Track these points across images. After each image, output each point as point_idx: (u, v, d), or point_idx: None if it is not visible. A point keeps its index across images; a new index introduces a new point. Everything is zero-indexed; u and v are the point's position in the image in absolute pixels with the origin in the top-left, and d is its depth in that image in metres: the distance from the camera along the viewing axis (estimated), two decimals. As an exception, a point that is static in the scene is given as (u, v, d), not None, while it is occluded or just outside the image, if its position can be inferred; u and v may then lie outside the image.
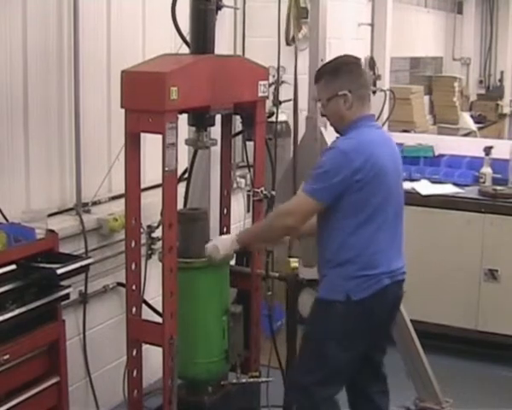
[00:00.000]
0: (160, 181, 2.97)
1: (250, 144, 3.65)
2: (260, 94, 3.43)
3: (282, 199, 3.35)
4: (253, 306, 3.56)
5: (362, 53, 5.41)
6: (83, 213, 3.71)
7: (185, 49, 3.44)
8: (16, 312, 2.80)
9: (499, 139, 8.15)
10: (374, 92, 5.51)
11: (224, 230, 3.65)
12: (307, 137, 3.87)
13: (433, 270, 4.85)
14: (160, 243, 3.14)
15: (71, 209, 3.72)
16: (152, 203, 3.43)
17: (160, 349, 3.06)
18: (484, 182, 5.10)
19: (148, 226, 3.38)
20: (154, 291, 3.48)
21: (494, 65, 12.24)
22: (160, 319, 3.11)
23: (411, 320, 3.88)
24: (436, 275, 4.85)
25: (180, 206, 3.30)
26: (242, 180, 4.96)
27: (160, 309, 3.13)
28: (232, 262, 3.53)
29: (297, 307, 3.51)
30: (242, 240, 3.23)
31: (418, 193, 4.96)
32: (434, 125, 9.15)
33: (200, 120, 3.27)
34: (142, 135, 3.10)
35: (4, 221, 3.19)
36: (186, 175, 3.68)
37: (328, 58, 3.49)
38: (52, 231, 3.13)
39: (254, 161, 3.53)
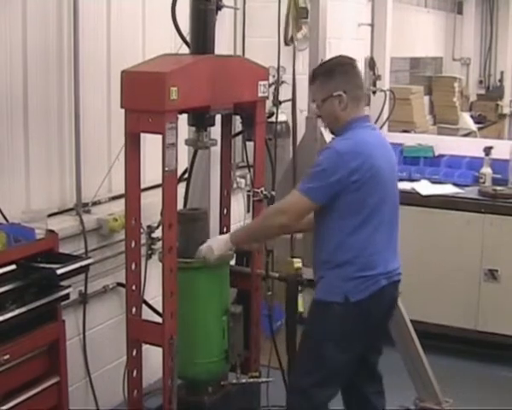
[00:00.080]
0: (159, 181, 2.97)
1: (250, 144, 3.64)
2: (260, 94, 3.43)
3: (282, 199, 3.34)
4: (253, 306, 3.56)
5: (362, 53, 5.41)
6: (83, 214, 3.71)
7: (185, 49, 3.44)
8: (16, 312, 2.79)
9: (499, 139, 8.13)
10: (374, 92, 5.53)
11: (224, 230, 3.65)
12: (307, 138, 3.87)
13: (432, 270, 4.85)
14: (159, 244, 3.14)
15: (71, 209, 3.72)
16: (152, 203, 3.42)
17: (159, 349, 3.06)
18: (484, 182, 5.10)
19: (148, 226, 3.38)
20: (154, 291, 3.48)
21: (494, 65, 12.21)
22: (160, 319, 3.10)
23: (411, 320, 3.88)
24: (436, 275, 4.85)
25: (180, 206, 3.30)
26: (242, 180, 4.95)
27: (160, 309, 3.13)
28: (232, 262, 3.53)
29: (297, 308, 3.50)
30: (236, 239, 3.22)
31: (418, 193, 4.96)
32: (434, 126, 9.13)
33: (200, 120, 3.27)
34: (142, 135, 3.10)
35: (4, 221, 3.19)
36: (186, 175, 3.68)
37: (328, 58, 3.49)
38: (52, 232, 3.13)
39: (254, 161, 3.53)
